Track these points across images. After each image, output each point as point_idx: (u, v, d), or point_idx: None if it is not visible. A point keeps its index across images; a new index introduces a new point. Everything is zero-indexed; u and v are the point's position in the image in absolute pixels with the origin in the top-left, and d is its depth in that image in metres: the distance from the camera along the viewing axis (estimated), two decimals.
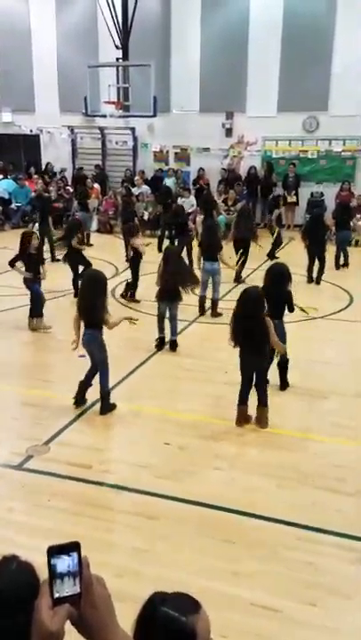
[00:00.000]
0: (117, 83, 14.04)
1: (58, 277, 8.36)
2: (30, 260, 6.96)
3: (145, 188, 14.29)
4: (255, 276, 8.56)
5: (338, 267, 10.43)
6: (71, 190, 14.37)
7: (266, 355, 4.72)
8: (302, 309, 5.33)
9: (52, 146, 16.51)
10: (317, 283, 9.33)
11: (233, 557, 3.30)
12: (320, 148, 14.32)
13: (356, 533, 3.50)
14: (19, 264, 7.00)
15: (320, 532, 3.50)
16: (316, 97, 13.76)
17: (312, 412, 5.15)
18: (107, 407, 4.97)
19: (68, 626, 0.99)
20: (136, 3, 13.57)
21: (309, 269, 9.34)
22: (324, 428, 4.83)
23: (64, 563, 0.99)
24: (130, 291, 8.24)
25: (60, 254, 9.82)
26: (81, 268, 8.07)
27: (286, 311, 5.32)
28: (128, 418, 4.97)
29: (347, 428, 4.80)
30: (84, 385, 5.02)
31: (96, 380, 5.00)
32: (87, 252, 8.83)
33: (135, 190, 13.93)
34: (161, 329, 6.44)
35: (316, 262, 9.30)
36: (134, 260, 8.13)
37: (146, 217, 13.40)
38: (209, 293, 7.77)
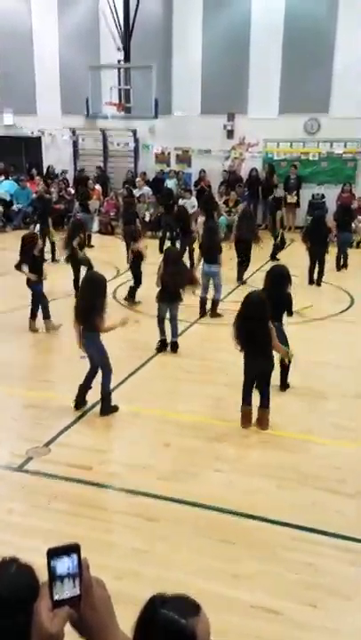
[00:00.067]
0: (119, 84, 14.07)
1: (58, 278, 8.36)
2: (34, 262, 7.00)
3: (146, 189, 14.31)
4: (256, 277, 8.57)
5: (339, 268, 10.47)
6: (72, 192, 14.39)
7: (270, 358, 4.73)
8: (299, 312, 5.35)
9: (54, 147, 16.54)
10: (318, 284, 9.34)
11: (233, 559, 3.30)
12: (321, 149, 14.34)
13: (356, 535, 3.49)
14: (24, 266, 7.02)
15: (320, 534, 3.49)
16: (318, 99, 13.78)
17: (313, 413, 5.15)
18: (107, 408, 4.97)
19: (68, 628, 0.99)
20: (138, 5, 13.60)
21: (310, 271, 9.34)
22: (324, 429, 4.83)
23: (64, 565, 0.99)
24: (131, 293, 8.23)
25: (59, 255, 9.87)
26: (83, 270, 8.07)
27: (286, 315, 5.33)
28: (128, 419, 4.97)
29: (347, 430, 4.80)
30: (84, 388, 5.03)
31: (97, 380, 5.00)
32: (90, 254, 8.85)
33: (136, 192, 13.95)
34: (162, 331, 6.44)
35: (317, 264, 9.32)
36: (135, 262, 8.13)
37: (147, 218, 13.43)
38: (210, 294, 7.77)
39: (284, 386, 5.46)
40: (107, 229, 13.82)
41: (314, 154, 14.43)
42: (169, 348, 6.45)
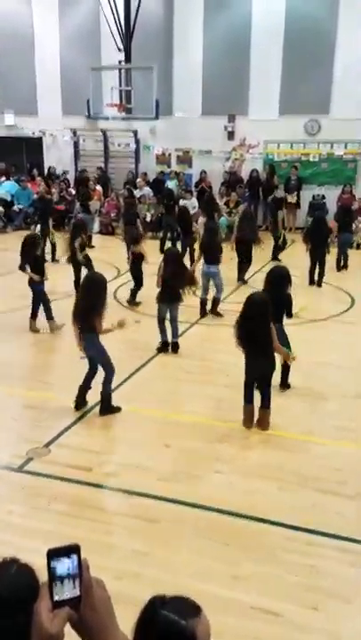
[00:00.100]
0: (120, 85, 14.09)
1: (59, 278, 8.37)
2: (36, 262, 7.01)
3: (147, 190, 14.32)
4: (257, 278, 8.57)
5: (339, 269, 10.48)
6: (73, 192, 14.40)
7: (271, 358, 4.73)
8: (295, 314, 5.37)
9: (55, 148, 16.55)
10: (318, 285, 9.34)
11: (233, 560, 3.29)
12: (322, 151, 14.35)
13: (356, 536, 3.49)
14: (26, 266, 7.04)
15: (321, 535, 3.49)
16: (318, 100, 13.80)
17: (313, 413, 5.14)
18: (107, 408, 4.97)
19: (68, 628, 0.99)
20: (139, 5, 13.62)
21: (311, 272, 9.35)
22: (325, 430, 4.83)
23: (64, 565, 0.99)
24: (133, 295, 8.21)
25: (59, 256, 9.88)
26: (84, 271, 8.07)
27: (285, 317, 5.33)
28: (129, 420, 4.96)
29: (348, 431, 4.80)
30: (84, 388, 5.02)
31: (96, 381, 5.00)
32: (90, 254, 8.84)
33: (137, 192, 13.97)
34: (163, 332, 6.44)
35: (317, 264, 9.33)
36: (135, 264, 8.12)
37: (148, 218, 13.45)
38: (210, 296, 7.77)
39: (285, 385, 5.46)
40: (107, 230, 13.83)
41: (314, 155, 14.44)
42: (169, 349, 6.45)
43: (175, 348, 6.45)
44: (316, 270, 9.33)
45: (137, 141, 15.56)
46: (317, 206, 13.55)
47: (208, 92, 14.54)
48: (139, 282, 8.14)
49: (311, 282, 9.33)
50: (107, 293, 4.88)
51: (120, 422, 4.94)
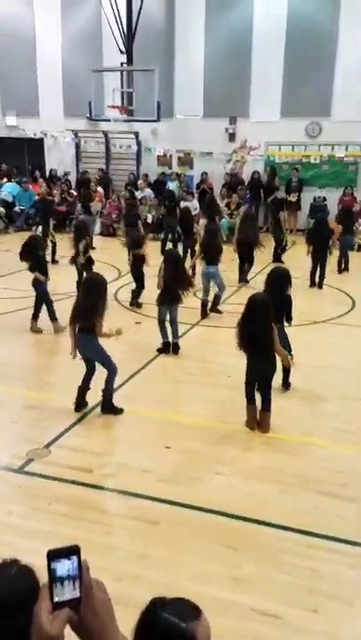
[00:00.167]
0: (121, 87, 14.10)
1: (60, 280, 8.37)
2: (40, 263, 7.02)
3: (148, 191, 14.34)
4: (258, 280, 8.57)
5: (340, 271, 10.48)
6: (75, 194, 14.42)
7: (272, 360, 4.73)
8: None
9: (56, 150, 16.58)
10: (319, 287, 9.34)
11: (233, 562, 3.29)
12: (323, 153, 14.36)
13: (357, 539, 3.48)
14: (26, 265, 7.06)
15: (321, 538, 3.48)
16: (319, 102, 13.81)
17: (314, 416, 5.14)
18: (108, 407, 4.97)
19: (68, 630, 0.99)
20: (140, 8, 13.65)
21: (312, 273, 9.35)
22: (325, 432, 4.82)
23: (64, 566, 0.98)
24: (135, 296, 8.20)
25: (60, 257, 9.89)
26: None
27: (286, 322, 5.33)
28: (129, 421, 4.96)
29: (348, 433, 4.79)
30: (83, 389, 5.02)
31: (96, 381, 4.99)
32: (92, 255, 8.84)
33: (138, 194, 13.99)
34: (163, 333, 6.44)
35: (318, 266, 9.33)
36: (135, 266, 8.12)
37: (149, 220, 13.46)
38: (211, 297, 7.78)
39: (286, 384, 5.45)
40: (108, 231, 13.84)
41: (315, 157, 14.45)
42: (170, 350, 6.44)
43: (176, 349, 6.45)
44: (317, 272, 9.33)
45: (138, 143, 15.58)
46: (318, 208, 13.56)
47: (209, 93, 14.56)
48: (140, 283, 8.14)
49: (312, 284, 9.33)
50: (107, 294, 4.88)
51: (121, 423, 4.93)
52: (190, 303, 6.95)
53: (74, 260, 8.39)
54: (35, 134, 16.40)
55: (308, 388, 5.58)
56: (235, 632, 2.75)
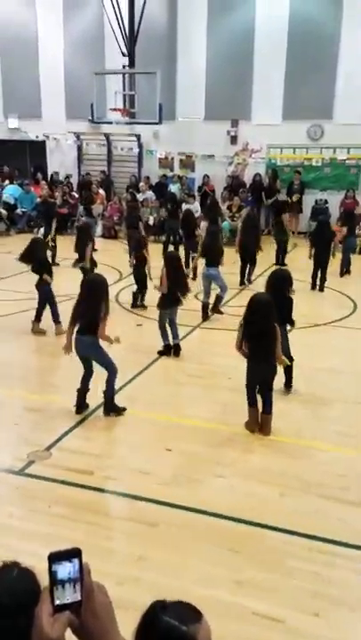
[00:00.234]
0: (123, 90, 14.13)
1: (61, 281, 8.36)
2: (43, 264, 7.05)
3: (149, 193, 14.36)
4: (259, 282, 8.56)
5: (342, 274, 10.46)
6: (76, 196, 14.44)
7: (273, 363, 4.71)
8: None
9: (58, 152, 16.61)
10: (321, 289, 9.34)
11: (235, 566, 3.27)
12: (324, 155, 14.36)
13: (359, 543, 3.46)
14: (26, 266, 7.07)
15: (323, 542, 3.47)
16: (321, 105, 13.81)
17: (315, 419, 5.12)
18: (111, 409, 4.96)
19: (69, 633, 0.98)
20: (143, 10, 13.68)
21: (314, 276, 9.34)
22: (327, 435, 4.81)
23: (65, 569, 0.98)
24: (138, 298, 8.20)
25: (60, 259, 9.89)
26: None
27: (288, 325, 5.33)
28: (130, 423, 4.95)
29: (350, 437, 4.78)
30: (82, 391, 5.01)
31: (95, 382, 4.98)
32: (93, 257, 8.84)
33: (140, 196, 14.00)
34: (164, 336, 6.42)
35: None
36: (137, 268, 8.13)
37: (151, 222, 13.48)
38: (212, 299, 7.77)
39: (288, 384, 5.44)
40: (110, 234, 13.86)
41: (317, 160, 14.45)
42: (172, 352, 6.43)
43: (177, 350, 6.44)
44: (319, 275, 9.32)
45: (140, 145, 15.60)
46: (320, 211, 13.54)
47: (211, 96, 14.58)
48: (143, 285, 8.14)
49: (313, 286, 9.33)
50: (108, 295, 4.88)
51: (121, 425, 4.93)
52: (191, 305, 6.95)
53: (78, 263, 8.40)
54: (37, 137, 16.43)
55: (310, 392, 5.57)
56: (237, 635, 2.74)
